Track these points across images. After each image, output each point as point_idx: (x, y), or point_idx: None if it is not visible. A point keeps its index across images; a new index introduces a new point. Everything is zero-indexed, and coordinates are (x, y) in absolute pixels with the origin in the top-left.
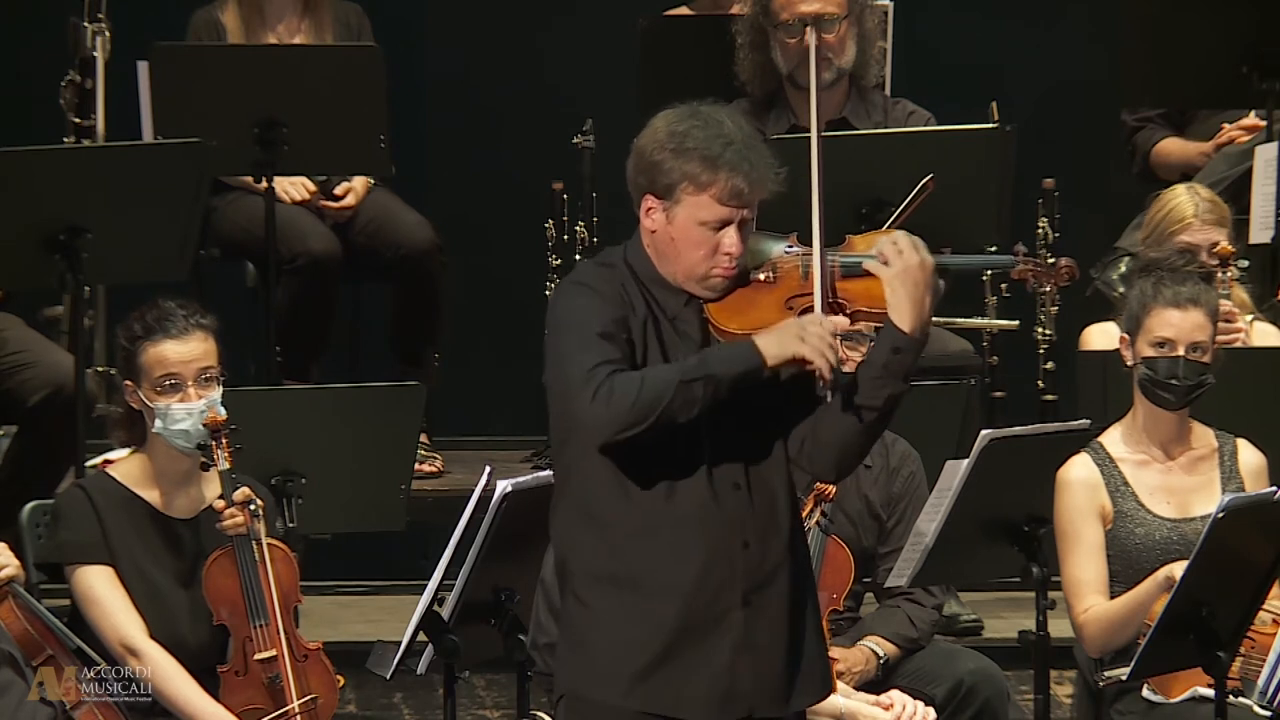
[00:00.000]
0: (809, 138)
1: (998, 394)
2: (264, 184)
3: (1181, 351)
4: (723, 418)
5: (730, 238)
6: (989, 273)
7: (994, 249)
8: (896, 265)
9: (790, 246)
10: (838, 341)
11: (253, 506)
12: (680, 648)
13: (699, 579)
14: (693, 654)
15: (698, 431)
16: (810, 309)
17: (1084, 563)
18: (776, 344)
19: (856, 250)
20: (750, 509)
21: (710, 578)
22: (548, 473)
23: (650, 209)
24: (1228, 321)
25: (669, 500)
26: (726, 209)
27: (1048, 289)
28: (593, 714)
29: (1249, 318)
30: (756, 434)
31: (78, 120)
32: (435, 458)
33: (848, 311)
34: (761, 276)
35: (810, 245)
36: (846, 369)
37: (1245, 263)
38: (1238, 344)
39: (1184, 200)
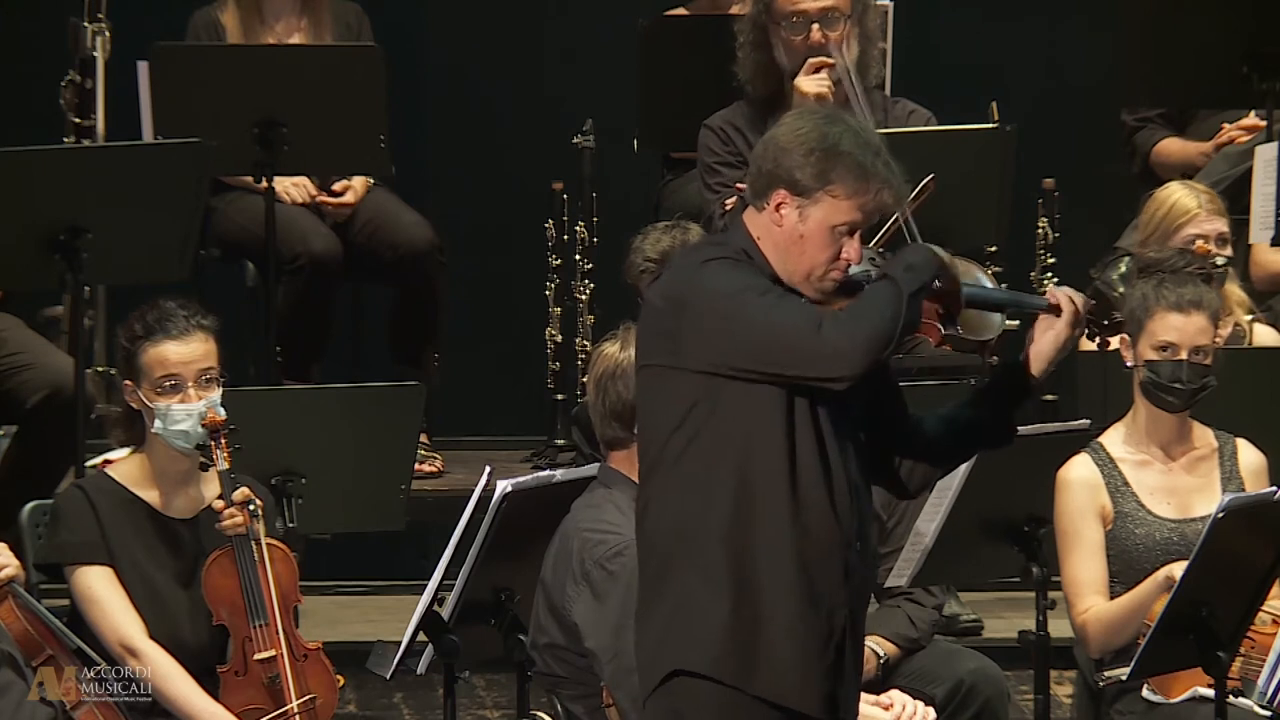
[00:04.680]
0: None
1: None
2: (264, 184)
3: (1184, 355)
4: (852, 418)
5: (854, 244)
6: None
7: (994, 249)
8: (1077, 331)
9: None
10: None
11: (252, 506)
12: (796, 642)
13: (816, 576)
14: (807, 649)
15: (838, 429)
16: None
17: (1084, 563)
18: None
19: (955, 271)
20: (862, 508)
21: (826, 576)
22: (548, 472)
23: (782, 204)
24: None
25: (806, 500)
26: (863, 216)
27: (1096, 343)
28: (706, 694)
29: (1248, 317)
30: (866, 435)
31: (78, 120)
32: (435, 458)
33: (945, 332)
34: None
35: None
36: None
37: (1229, 252)
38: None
39: (1185, 194)
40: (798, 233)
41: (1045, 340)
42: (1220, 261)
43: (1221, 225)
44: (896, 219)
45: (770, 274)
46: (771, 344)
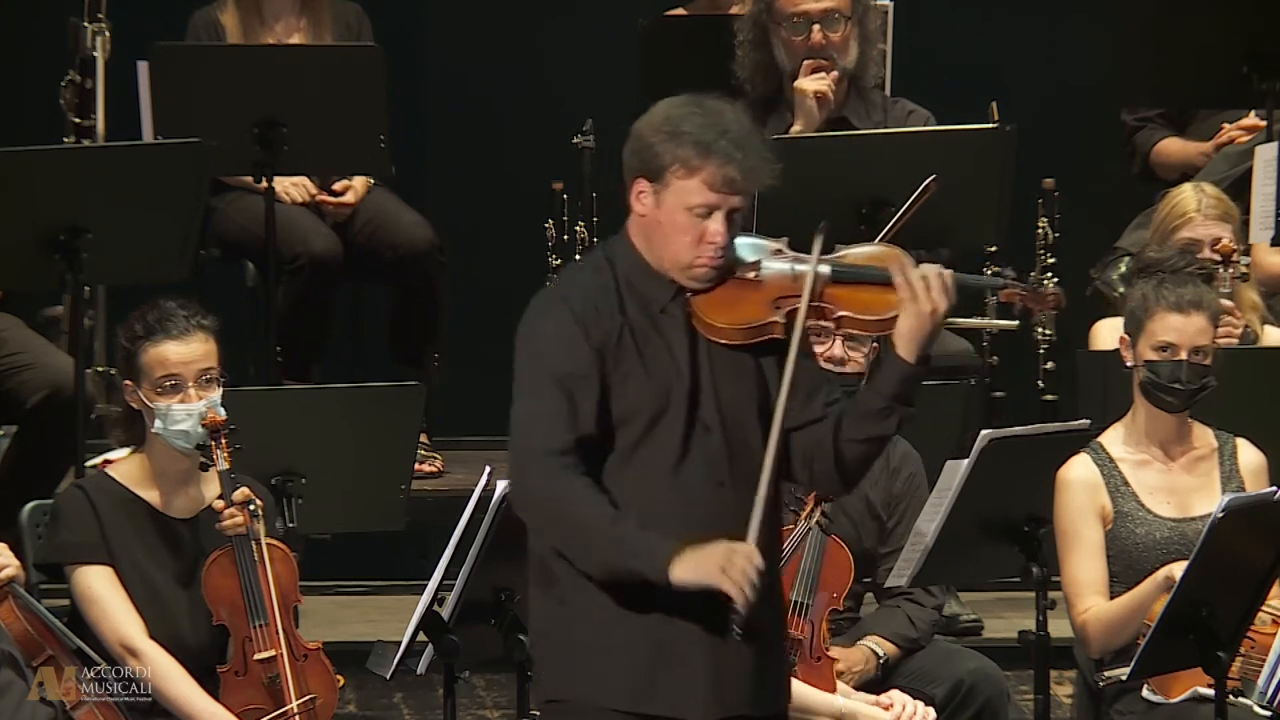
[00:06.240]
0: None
1: (998, 394)
2: (264, 184)
3: (1184, 355)
4: (710, 418)
5: (716, 225)
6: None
7: (994, 249)
8: (924, 305)
9: (780, 250)
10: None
11: (252, 506)
12: (669, 646)
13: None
14: (682, 652)
15: (683, 433)
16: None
17: (1084, 563)
18: (693, 570)
19: (847, 260)
20: (734, 507)
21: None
22: None
23: (641, 192)
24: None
25: (652, 499)
26: (714, 195)
27: (1035, 314)
28: (583, 717)
29: (1259, 319)
30: (743, 433)
31: (78, 120)
32: (435, 458)
33: (832, 317)
34: (750, 275)
35: (802, 252)
36: (850, 369)
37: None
38: (1233, 341)
39: (1188, 196)
40: (656, 219)
41: (900, 321)
42: (1234, 272)
43: (1218, 230)
44: (898, 219)
45: (641, 265)
46: (512, 423)
